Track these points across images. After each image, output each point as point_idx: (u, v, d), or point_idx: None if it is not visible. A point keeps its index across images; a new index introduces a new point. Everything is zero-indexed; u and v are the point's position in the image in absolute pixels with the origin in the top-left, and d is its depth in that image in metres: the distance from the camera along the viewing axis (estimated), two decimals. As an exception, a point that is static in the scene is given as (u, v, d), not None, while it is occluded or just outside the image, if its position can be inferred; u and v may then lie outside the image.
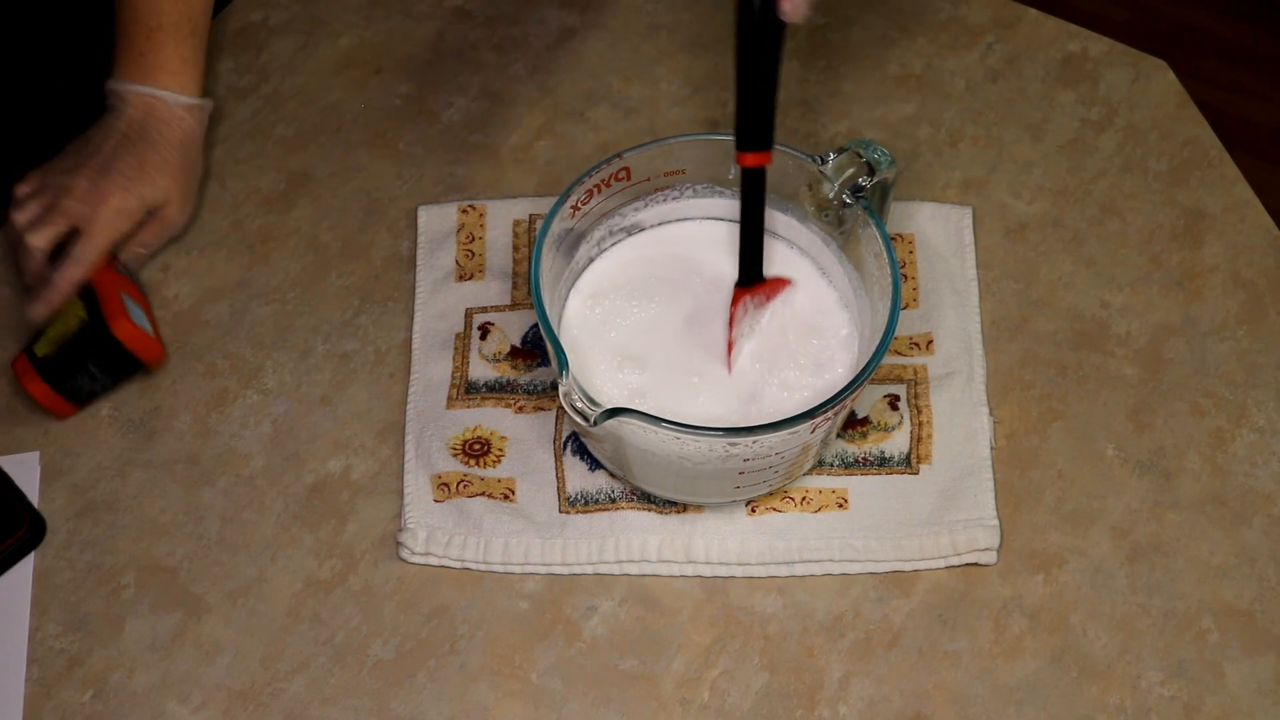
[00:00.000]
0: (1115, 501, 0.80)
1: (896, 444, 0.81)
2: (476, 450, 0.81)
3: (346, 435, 0.83)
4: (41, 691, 0.75)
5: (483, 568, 0.78)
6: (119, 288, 0.83)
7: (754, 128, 0.71)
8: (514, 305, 0.87)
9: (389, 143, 0.94)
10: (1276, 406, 0.83)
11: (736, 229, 0.81)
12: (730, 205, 0.80)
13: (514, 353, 0.85)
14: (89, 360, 0.81)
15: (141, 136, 0.84)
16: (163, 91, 0.85)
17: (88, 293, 0.82)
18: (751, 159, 0.72)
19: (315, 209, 0.92)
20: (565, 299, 0.78)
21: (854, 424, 0.82)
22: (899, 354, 0.84)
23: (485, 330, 0.85)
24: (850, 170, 0.74)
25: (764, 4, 0.66)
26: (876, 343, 0.71)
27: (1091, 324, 0.86)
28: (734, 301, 0.76)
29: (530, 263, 0.71)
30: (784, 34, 0.68)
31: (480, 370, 0.84)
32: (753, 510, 0.79)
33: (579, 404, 0.67)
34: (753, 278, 0.76)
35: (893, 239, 0.87)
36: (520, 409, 0.83)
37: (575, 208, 0.76)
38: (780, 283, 0.78)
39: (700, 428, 0.67)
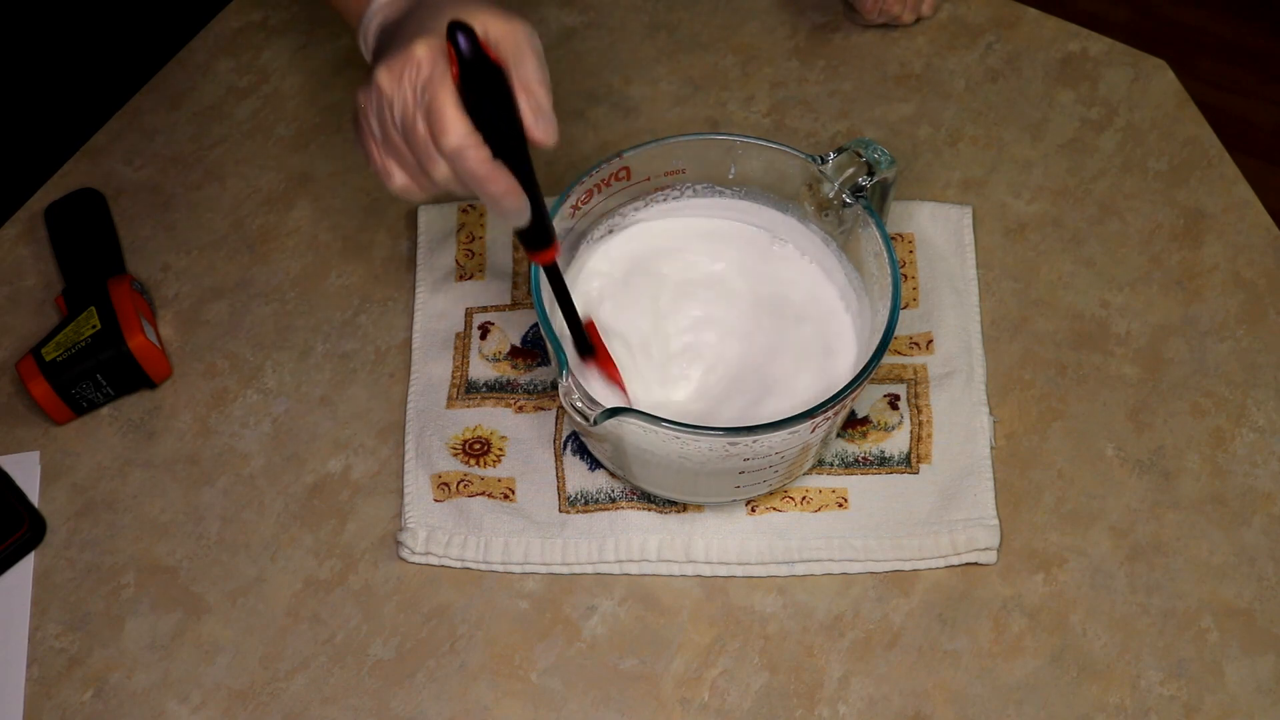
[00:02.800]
0: (1115, 501, 0.80)
1: (896, 443, 0.81)
2: (476, 450, 0.81)
3: (346, 435, 0.83)
4: (41, 691, 0.75)
5: (483, 567, 0.78)
6: (135, 303, 0.83)
7: (537, 232, 0.68)
8: (514, 305, 0.87)
9: (389, 143, 0.94)
10: (1276, 406, 0.83)
11: (738, 229, 0.81)
12: (731, 205, 0.80)
13: (514, 352, 0.85)
14: (98, 370, 0.81)
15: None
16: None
17: (104, 303, 0.82)
18: (550, 254, 0.70)
19: (315, 209, 0.92)
20: (565, 299, 0.79)
21: (854, 423, 0.82)
22: (899, 354, 0.84)
23: (485, 330, 0.85)
24: (850, 170, 0.74)
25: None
26: (876, 342, 0.71)
27: (1091, 324, 0.86)
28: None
29: (530, 262, 0.71)
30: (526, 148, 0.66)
31: (480, 370, 0.84)
32: (753, 510, 0.79)
33: (579, 404, 0.67)
34: (584, 350, 0.74)
35: (893, 239, 0.87)
36: (520, 409, 0.83)
37: (575, 207, 0.76)
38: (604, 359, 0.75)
39: (700, 427, 0.67)
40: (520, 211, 0.65)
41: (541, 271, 0.71)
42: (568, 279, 0.78)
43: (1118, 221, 0.90)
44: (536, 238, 0.68)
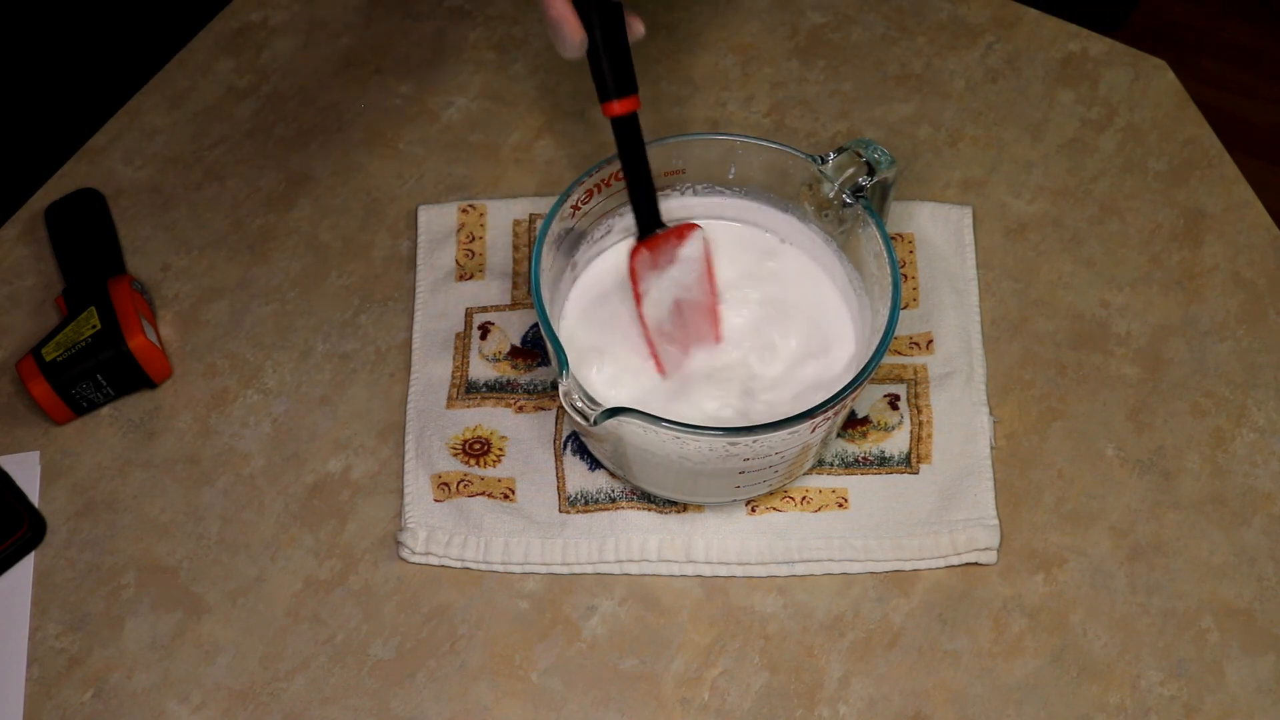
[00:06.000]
0: (1115, 501, 0.80)
1: (896, 444, 0.81)
2: (476, 450, 0.81)
3: (346, 435, 0.83)
4: (41, 691, 0.75)
5: (483, 567, 0.78)
6: (135, 303, 0.83)
7: (613, 72, 0.69)
8: (514, 305, 0.87)
9: (389, 143, 0.94)
10: (1276, 406, 0.83)
11: (738, 229, 0.81)
12: (731, 205, 0.80)
13: (514, 352, 0.85)
14: (98, 370, 0.81)
15: None
16: None
17: (104, 303, 0.82)
18: (619, 106, 0.71)
19: (315, 209, 0.92)
20: (565, 298, 0.79)
21: (854, 423, 0.82)
22: (899, 354, 0.84)
23: (485, 330, 0.86)
24: (850, 170, 0.74)
25: None
26: (876, 343, 0.71)
27: (1091, 324, 0.86)
28: (632, 257, 0.76)
29: (530, 262, 0.71)
30: None
31: (480, 370, 0.84)
32: (753, 510, 0.79)
33: (579, 404, 0.67)
34: (653, 227, 0.76)
35: (893, 239, 0.87)
36: (520, 409, 0.83)
37: (575, 207, 0.76)
38: (687, 228, 0.76)
39: (700, 427, 0.67)
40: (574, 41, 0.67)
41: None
42: (568, 280, 0.79)
43: (1118, 221, 0.90)
44: (613, 79, 0.68)
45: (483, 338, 0.85)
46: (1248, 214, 0.90)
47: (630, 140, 0.73)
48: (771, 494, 0.79)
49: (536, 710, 0.74)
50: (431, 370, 0.84)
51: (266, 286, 0.89)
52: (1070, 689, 0.75)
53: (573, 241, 0.78)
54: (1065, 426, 0.82)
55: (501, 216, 0.90)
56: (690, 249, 0.77)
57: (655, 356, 0.76)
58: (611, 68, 0.69)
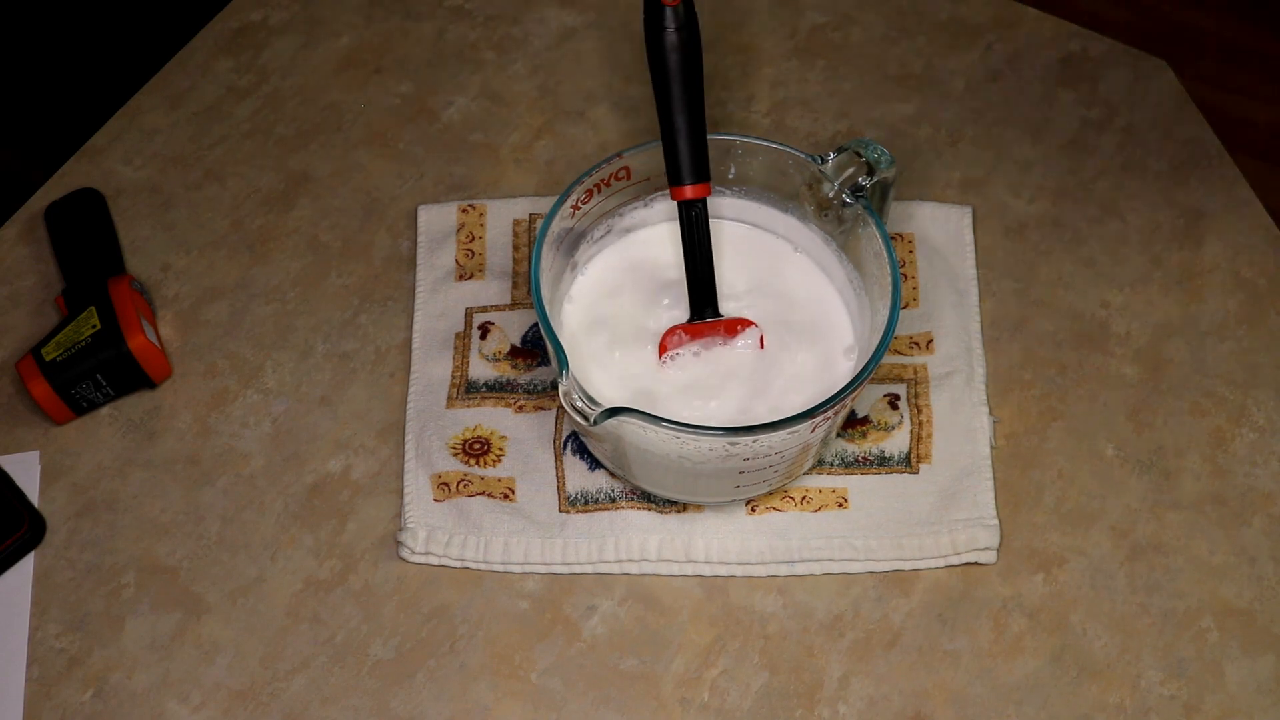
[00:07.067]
0: (1115, 501, 0.80)
1: (896, 443, 0.81)
2: (476, 450, 0.81)
3: (346, 435, 0.83)
4: (41, 691, 0.75)
5: (483, 567, 0.78)
6: (135, 303, 0.83)
7: (690, 158, 0.71)
8: (514, 305, 0.87)
9: (389, 143, 0.94)
10: (1276, 406, 0.83)
11: (738, 227, 0.81)
12: (730, 205, 0.80)
13: (514, 352, 0.85)
14: (98, 370, 0.81)
15: None
16: None
17: (104, 304, 0.82)
18: (691, 191, 0.73)
19: (315, 209, 0.92)
20: (565, 298, 0.79)
21: (854, 423, 0.82)
22: (899, 353, 0.84)
23: (485, 330, 0.86)
24: (850, 170, 0.74)
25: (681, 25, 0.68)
26: (876, 342, 0.71)
27: (1091, 324, 0.86)
28: (667, 335, 0.76)
29: (530, 262, 0.71)
30: (699, 52, 0.70)
31: (480, 370, 0.84)
32: (753, 509, 0.79)
33: (579, 404, 0.67)
34: (704, 313, 0.76)
35: (893, 239, 0.87)
36: (520, 408, 0.83)
37: (575, 207, 0.76)
38: (740, 322, 0.77)
39: (700, 427, 0.67)
40: None
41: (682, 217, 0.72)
42: (568, 280, 0.79)
43: (1118, 221, 0.90)
44: (691, 162, 0.70)
45: (483, 337, 0.85)
46: (1248, 214, 0.90)
47: (699, 225, 0.74)
48: (771, 494, 0.79)
49: (536, 710, 0.74)
50: (431, 370, 0.84)
51: (266, 286, 0.89)
52: (1070, 689, 0.75)
53: (573, 241, 0.78)
54: (1065, 426, 0.82)
55: (501, 216, 0.90)
56: (743, 343, 0.76)
57: (663, 349, 0.76)
58: (690, 149, 0.71)
